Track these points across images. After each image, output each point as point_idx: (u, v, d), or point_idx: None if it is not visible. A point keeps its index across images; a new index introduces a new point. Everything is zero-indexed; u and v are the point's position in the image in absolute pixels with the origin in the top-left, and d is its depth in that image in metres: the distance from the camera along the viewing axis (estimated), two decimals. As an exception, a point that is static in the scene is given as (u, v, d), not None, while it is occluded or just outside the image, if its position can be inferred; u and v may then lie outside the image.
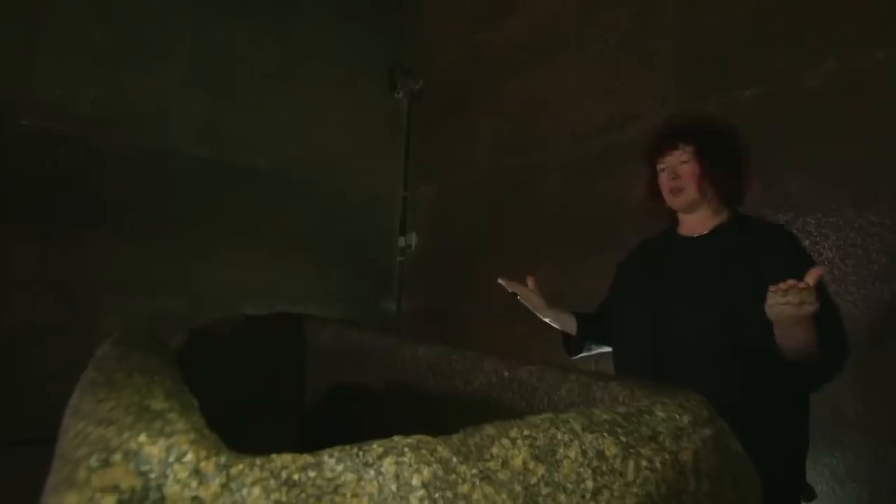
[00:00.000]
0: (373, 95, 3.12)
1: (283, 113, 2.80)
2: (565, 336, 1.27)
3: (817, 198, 1.47)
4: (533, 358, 0.91)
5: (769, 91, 1.57)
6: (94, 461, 0.27)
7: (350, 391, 1.45)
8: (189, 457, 0.28)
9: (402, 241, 3.17)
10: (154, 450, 0.28)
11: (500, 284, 1.20)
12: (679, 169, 1.04)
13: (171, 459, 0.28)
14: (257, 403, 1.61)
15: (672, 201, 1.07)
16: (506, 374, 0.91)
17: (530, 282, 1.21)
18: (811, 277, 0.80)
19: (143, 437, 0.28)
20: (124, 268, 2.37)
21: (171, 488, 0.27)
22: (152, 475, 0.27)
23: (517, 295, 1.20)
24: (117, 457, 0.28)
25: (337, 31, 2.98)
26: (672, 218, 1.14)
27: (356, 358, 1.45)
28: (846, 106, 1.41)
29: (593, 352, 1.28)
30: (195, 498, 0.27)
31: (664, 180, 1.07)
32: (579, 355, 1.28)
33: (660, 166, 1.08)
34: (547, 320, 1.25)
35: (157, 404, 0.34)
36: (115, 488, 0.26)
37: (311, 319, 1.78)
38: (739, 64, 1.64)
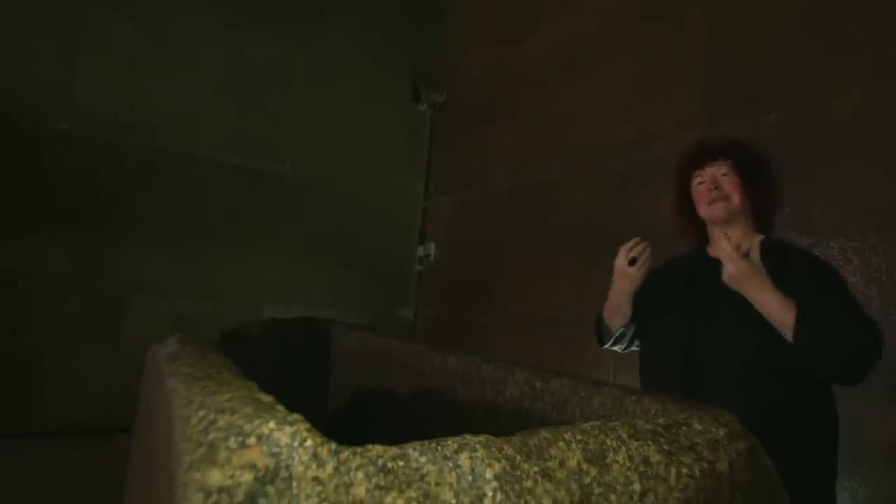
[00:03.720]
0: (396, 107, 3.19)
1: (309, 122, 2.88)
2: (602, 319, 1.23)
3: (841, 222, 1.49)
4: (562, 370, 0.94)
5: (794, 116, 1.60)
6: (232, 443, 0.32)
7: (375, 397, 1.49)
8: (309, 443, 0.33)
9: (420, 251, 3.23)
10: (282, 435, 0.33)
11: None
12: (719, 180, 1.06)
13: (296, 444, 0.32)
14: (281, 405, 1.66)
15: (711, 211, 1.07)
16: (538, 384, 0.94)
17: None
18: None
19: (272, 424, 0.33)
20: (149, 269, 2.43)
21: (297, 469, 0.32)
22: (282, 457, 0.32)
23: (634, 261, 1.08)
24: (252, 440, 0.32)
25: (363, 43, 3.06)
26: (701, 238, 1.16)
27: (382, 364, 1.49)
28: (871, 133, 1.44)
29: (620, 344, 1.25)
30: (315, 478, 0.32)
31: (703, 191, 1.08)
32: (610, 343, 1.26)
33: (697, 179, 1.09)
34: (620, 300, 1.15)
35: (264, 397, 0.38)
36: (253, 466, 0.31)
37: (336, 324, 1.82)
38: (765, 87, 1.67)
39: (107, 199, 2.35)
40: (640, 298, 1.15)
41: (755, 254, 0.94)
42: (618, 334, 1.20)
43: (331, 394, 1.77)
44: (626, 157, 2.13)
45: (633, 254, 1.08)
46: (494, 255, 2.71)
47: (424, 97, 3.20)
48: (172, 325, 2.42)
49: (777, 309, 0.91)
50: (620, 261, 1.09)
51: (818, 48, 1.57)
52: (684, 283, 1.11)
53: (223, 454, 0.31)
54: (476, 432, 1.10)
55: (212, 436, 0.33)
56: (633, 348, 1.25)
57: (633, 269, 1.08)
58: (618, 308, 1.15)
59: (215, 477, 0.30)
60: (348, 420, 1.58)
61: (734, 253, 0.93)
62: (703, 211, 1.09)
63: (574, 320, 2.24)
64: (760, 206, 1.07)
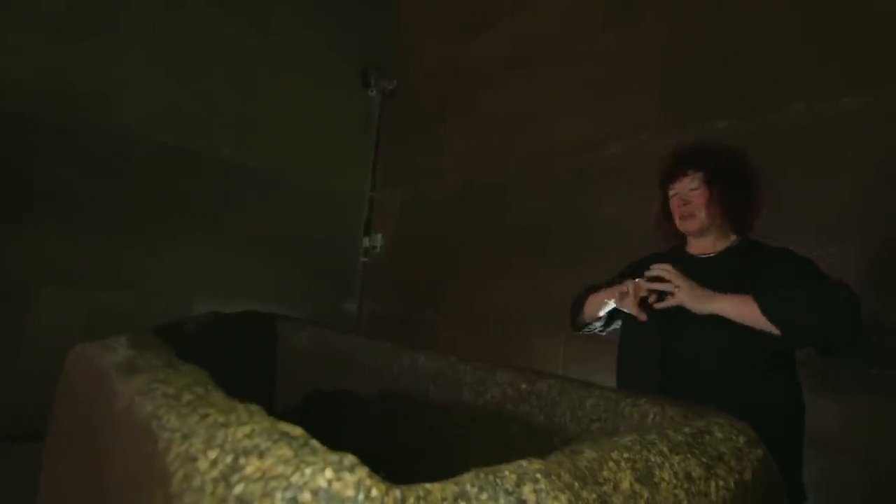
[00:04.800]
0: (345, 92, 3.05)
1: (250, 102, 2.67)
2: (580, 303, 1.25)
3: (780, 228, 1.59)
4: (547, 372, 0.92)
5: (741, 125, 1.69)
6: (279, 500, 0.24)
7: (331, 397, 1.40)
8: (375, 493, 0.26)
9: (366, 242, 3.12)
10: (343, 487, 0.25)
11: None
12: (689, 195, 1.09)
13: (361, 497, 0.25)
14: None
15: (683, 226, 1.12)
16: (523, 386, 0.91)
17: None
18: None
19: (329, 473, 0.26)
20: (65, 257, 2.16)
21: (365, 528, 0.24)
22: (347, 515, 0.24)
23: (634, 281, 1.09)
24: (306, 496, 0.25)
25: (312, 23, 2.88)
26: (681, 238, 1.19)
27: (340, 363, 1.40)
28: (811, 145, 1.54)
29: (593, 331, 1.28)
30: (385, 537, 0.25)
31: (675, 206, 1.12)
32: (584, 329, 1.28)
33: (671, 192, 1.13)
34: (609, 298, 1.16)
35: (292, 430, 0.31)
36: (312, 531, 0.24)
37: (285, 320, 1.70)
38: (716, 97, 1.75)
39: (16, 176, 2.04)
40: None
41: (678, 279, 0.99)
42: (589, 322, 1.23)
43: (278, 394, 1.64)
44: (582, 158, 2.16)
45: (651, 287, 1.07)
46: (446, 250, 2.67)
47: (374, 83, 3.08)
48: (88, 320, 2.16)
49: (741, 305, 0.94)
50: (639, 281, 1.09)
51: (767, 63, 1.66)
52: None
53: (268, 516, 0.24)
54: (451, 435, 1.05)
55: (239, 489, 0.25)
56: (595, 333, 1.29)
57: (637, 282, 1.09)
58: (602, 303, 1.17)
59: (260, 548, 0.22)
60: (301, 423, 1.47)
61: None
62: (677, 224, 1.13)
63: (525, 319, 2.25)
64: (736, 213, 1.09)
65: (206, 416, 0.32)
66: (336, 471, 0.26)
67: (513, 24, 2.53)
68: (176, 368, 0.46)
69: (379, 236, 3.08)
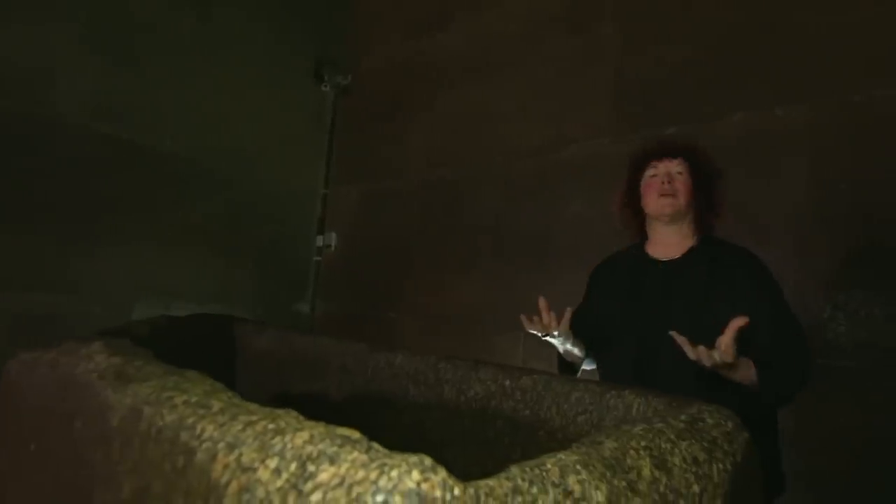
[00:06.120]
0: (297, 86, 2.96)
1: (196, 93, 2.53)
2: (562, 359, 1.22)
3: (722, 228, 1.71)
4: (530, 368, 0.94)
5: (689, 132, 1.80)
6: (371, 504, 0.24)
7: (301, 404, 1.35)
8: (457, 492, 0.26)
9: (319, 241, 3.04)
10: (431, 488, 0.25)
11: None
12: (674, 177, 1.09)
13: (448, 497, 0.25)
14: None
15: (659, 204, 1.08)
16: (507, 382, 0.92)
17: (546, 315, 1.07)
18: (728, 334, 0.88)
19: (416, 475, 0.25)
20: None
21: (454, 528, 0.24)
22: (438, 515, 0.24)
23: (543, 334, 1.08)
24: (397, 499, 0.24)
25: (263, 12, 2.77)
26: (640, 234, 1.19)
27: (308, 367, 1.36)
28: (750, 152, 1.67)
29: (591, 366, 1.24)
30: (470, 534, 0.25)
31: (655, 183, 1.09)
32: (580, 371, 1.26)
33: (651, 171, 1.11)
34: (558, 344, 1.14)
35: (350, 433, 0.30)
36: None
37: (243, 323, 1.63)
38: (666, 105, 1.86)
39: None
40: (588, 314, 1.17)
41: (729, 350, 0.89)
42: (584, 363, 1.21)
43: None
44: (540, 159, 2.22)
45: (539, 333, 1.08)
46: (403, 248, 2.65)
47: (328, 78, 3.01)
48: (15, 327, 1.96)
49: (744, 376, 0.95)
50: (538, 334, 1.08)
51: (711, 75, 1.78)
52: (629, 290, 1.13)
53: (360, 522, 0.23)
54: (433, 434, 1.05)
55: (317, 497, 0.24)
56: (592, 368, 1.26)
57: (550, 339, 1.09)
58: (567, 352, 1.16)
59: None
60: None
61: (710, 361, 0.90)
62: (652, 204, 1.11)
63: (485, 317, 2.28)
64: (704, 211, 1.14)
65: (251, 423, 0.31)
66: (422, 472, 0.26)
67: (471, 25, 2.55)
68: (181, 375, 0.43)
69: (333, 234, 3.01)
